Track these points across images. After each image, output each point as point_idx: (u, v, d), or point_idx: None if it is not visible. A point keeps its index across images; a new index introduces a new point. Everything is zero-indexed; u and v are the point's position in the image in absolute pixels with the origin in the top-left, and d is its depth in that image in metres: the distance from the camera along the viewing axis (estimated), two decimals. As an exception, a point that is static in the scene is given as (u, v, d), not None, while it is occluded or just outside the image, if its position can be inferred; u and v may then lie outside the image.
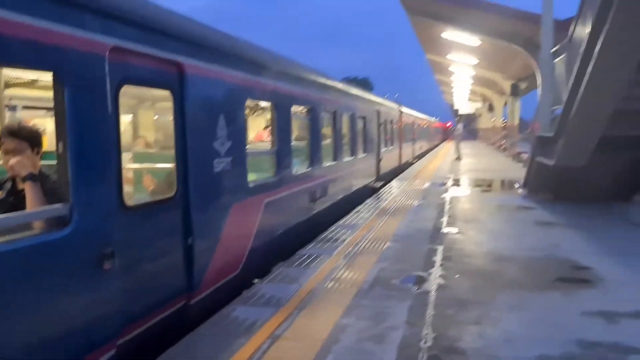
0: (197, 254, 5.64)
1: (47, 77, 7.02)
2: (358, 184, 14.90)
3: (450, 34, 23.63)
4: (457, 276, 6.78)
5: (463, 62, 32.39)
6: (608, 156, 10.96)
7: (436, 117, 76.16)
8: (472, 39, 23.40)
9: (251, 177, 7.29)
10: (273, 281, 6.67)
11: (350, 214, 11.72)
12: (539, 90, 14.77)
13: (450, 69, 38.82)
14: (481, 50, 26.30)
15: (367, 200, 13.96)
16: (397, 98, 34.34)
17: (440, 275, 6.80)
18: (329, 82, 11.90)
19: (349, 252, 8.11)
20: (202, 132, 5.81)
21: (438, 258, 7.71)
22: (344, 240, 8.88)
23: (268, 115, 9.38)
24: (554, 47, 12.86)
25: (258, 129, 11.92)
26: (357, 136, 14.81)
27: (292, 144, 9.06)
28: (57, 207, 3.84)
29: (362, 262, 7.51)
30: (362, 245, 8.53)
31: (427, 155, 37.41)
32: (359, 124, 15.27)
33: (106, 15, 4.26)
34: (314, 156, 10.32)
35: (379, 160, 18.71)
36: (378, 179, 18.41)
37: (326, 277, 6.75)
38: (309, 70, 10.45)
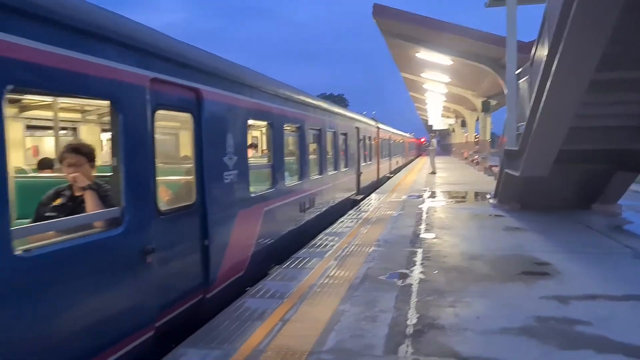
0: (212, 254, 6.52)
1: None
2: (341, 196, 15.89)
3: (424, 54, 25.01)
4: (435, 272, 7.78)
5: (436, 80, 33.92)
6: (568, 168, 12.21)
7: (411, 133, 78.01)
8: (444, 59, 24.81)
9: (252, 188, 8.20)
10: (275, 279, 7.57)
11: (336, 224, 12.68)
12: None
13: (424, 86, 40.39)
14: (453, 69, 27.78)
15: (350, 211, 14.94)
16: (374, 115, 35.57)
17: (420, 272, 7.79)
18: (315, 102, 12.92)
19: (338, 255, 9.05)
20: (215, 148, 6.73)
21: (418, 258, 8.71)
22: (333, 246, 9.81)
23: (256, 133, 10.28)
24: (518, 68, 14.14)
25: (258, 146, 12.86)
26: (339, 151, 15.84)
27: (284, 158, 10.00)
28: (113, 210, 4.72)
29: (351, 262, 8.46)
30: (350, 250, 9.48)
31: (403, 170, 38.72)
32: (341, 140, 16.31)
33: (147, 52, 5.19)
34: (303, 170, 11.29)
35: (359, 175, 19.77)
36: (359, 192, 19.44)
37: (321, 275, 7.67)
38: (297, 92, 11.45)
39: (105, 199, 4.84)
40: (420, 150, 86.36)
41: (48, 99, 8.06)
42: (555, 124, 9.86)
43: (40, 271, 3.77)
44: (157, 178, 5.43)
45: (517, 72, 13.92)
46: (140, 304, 4.99)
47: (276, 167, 9.41)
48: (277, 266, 8.51)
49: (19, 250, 3.59)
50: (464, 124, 51.69)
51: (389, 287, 7.04)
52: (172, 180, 6.30)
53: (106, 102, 4.81)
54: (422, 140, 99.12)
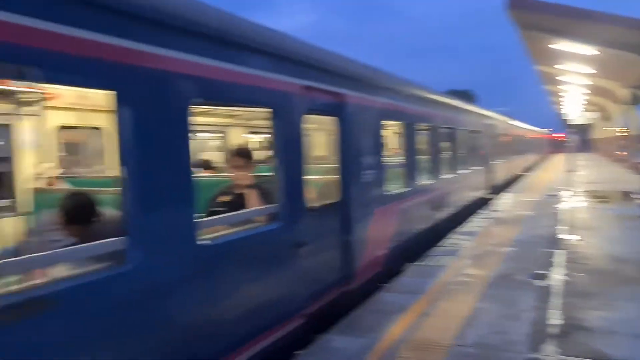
0: (354, 249, 6.94)
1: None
2: (472, 194, 15.65)
3: (563, 45, 23.52)
4: (576, 274, 7.51)
5: (576, 71, 31.67)
6: None
7: (548, 129, 73.48)
8: (588, 49, 23.12)
9: (388, 187, 8.51)
10: (410, 276, 7.82)
11: (467, 222, 12.57)
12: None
13: (561, 78, 37.88)
14: (597, 59, 25.76)
15: (481, 210, 14.67)
16: (507, 111, 34.17)
17: (561, 273, 7.57)
18: (446, 100, 12.90)
19: (473, 254, 9.05)
20: (356, 149, 7.14)
21: (558, 259, 8.43)
22: (466, 245, 9.81)
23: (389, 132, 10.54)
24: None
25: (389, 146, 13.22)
26: (470, 149, 15.59)
27: (417, 157, 10.17)
28: (273, 207, 5.29)
29: (487, 262, 8.44)
30: (484, 249, 9.42)
31: (537, 168, 36.68)
32: (472, 138, 16.04)
33: (300, 63, 5.72)
34: (434, 169, 11.37)
35: (490, 173, 19.24)
36: (489, 190, 18.93)
37: (456, 274, 7.78)
38: (430, 91, 11.55)
39: (265, 197, 5.43)
40: (557, 147, 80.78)
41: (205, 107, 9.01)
42: None
43: (216, 258, 4.41)
44: (306, 177, 5.95)
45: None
46: (294, 292, 5.54)
47: (410, 167, 9.63)
48: (410, 264, 8.72)
49: (201, 240, 4.23)
50: (606, 118, 47.56)
51: (528, 287, 6.97)
52: (318, 180, 6.80)
53: (262, 109, 5.41)
54: (562, 136, 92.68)
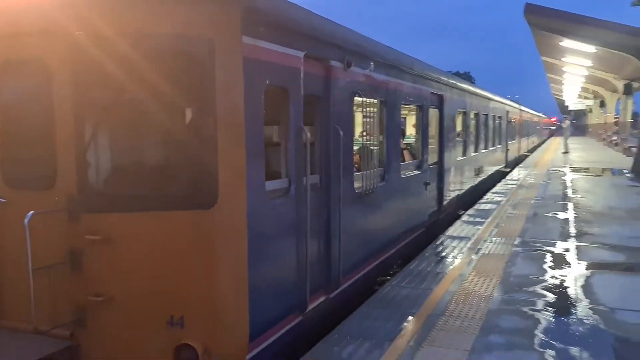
0: (443, 192, 11.02)
1: None
2: (495, 167, 19.81)
3: (568, 43, 27.48)
4: (584, 213, 11.66)
5: (577, 64, 35.63)
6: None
7: (542, 113, 77.55)
8: (588, 47, 27.11)
9: (457, 154, 12.58)
10: (475, 212, 11.92)
11: (497, 186, 16.71)
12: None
13: (563, 69, 41.80)
14: (595, 55, 29.76)
15: (504, 179, 18.82)
16: (517, 99, 38.19)
17: (573, 214, 11.70)
18: (484, 93, 16.94)
19: (509, 204, 13.17)
20: (448, 130, 11.17)
21: (570, 207, 12.57)
22: (501, 201, 13.91)
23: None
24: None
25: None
26: (495, 132, 19.68)
27: (470, 136, 14.25)
28: (417, 161, 9.35)
29: (522, 207, 12.57)
30: (517, 201, 13.55)
31: (538, 149, 40.91)
32: (496, 122, 20.12)
33: (430, 79, 9.73)
34: (477, 145, 15.47)
35: (506, 151, 23.39)
36: (506, 165, 23.11)
37: (504, 213, 11.89)
38: (478, 87, 15.56)
39: (413, 156, 9.48)
40: (555, 130, 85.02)
41: None
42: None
43: (405, 183, 8.44)
44: (428, 147, 9.96)
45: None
46: (424, 211, 9.63)
47: (465, 143, 13.72)
48: (469, 209, 12.81)
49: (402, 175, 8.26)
50: (602, 105, 51.62)
51: (553, 219, 11.11)
52: (432, 148, 10.79)
53: (416, 106, 9.46)
54: (553, 119, 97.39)
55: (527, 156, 32.92)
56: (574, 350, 4.73)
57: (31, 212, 4.14)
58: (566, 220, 10.90)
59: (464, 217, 11.40)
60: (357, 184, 6.55)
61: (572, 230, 9.94)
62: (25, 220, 4.09)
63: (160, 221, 4.18)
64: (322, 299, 5.66)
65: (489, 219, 11.05)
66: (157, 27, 4.10)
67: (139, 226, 4.22)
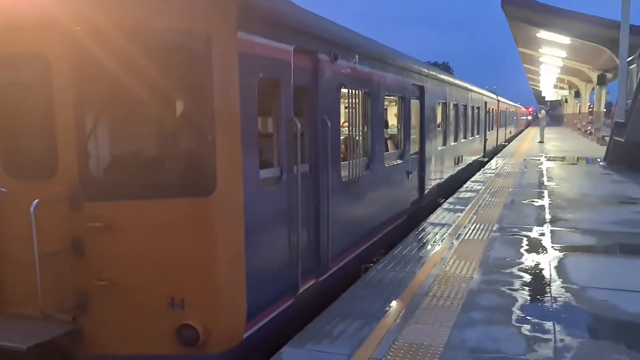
0: (424, 180, 11.36)
1: None
2: (474, 156, 20.27)
3: (543, 34, 28.10)
4: (558, 200, 12.12)
5: (553, 54, 36.38)
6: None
7: (519, 103, 78.91)
8: (563, 39, 27.75)
9: (437, 144, 12.93)
10: (455, 200, 12.31)
11: (476, 175, 17.15)
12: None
13: (540, 59, 42.60)
14: (570, 46, 30.45)
15: (483, 169, 19.29)
16: (495, 89, 38.83)
17: (548, 200, 12.17)
18: (463, 84, 17.32)
19: (488, 192, 13.59)
20: (429, 120, 11.50)
21: (545, 194, 13.04)
22: (480, 189, 14.34)
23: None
24: (630, 55, 17.52)
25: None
26: (474, 122, 20.12)
27: (450, 127, 14.61)
28: (400, 151, 9.65)
29: (500, 195, 13.00)
30: (495, 189, 13.99)
31: (515, 139, 41.70)
32: (475, 112, 20.56)
33: (411, 71, 10.01)
34: (457, 135, 15.86)
35: (485, 141, 23.89)
36: (484, 155, 23.62)
37: (482, 200, 12.30)
38: (457, 78, 15.92)
39: (395, 146, 9.78)
40: (531, 120, 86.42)
41: None
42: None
43: (389, 172, 8.73)
44: (410, 137, 10.26)
45: (628, 60, 17.35)
46: (405, 197, 9.95)
47: (445, 132, 14.09)
48: (449, 197, 13.20)
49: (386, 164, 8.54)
50: (577, 95, 52.69)
51: (530, 206, 11.54)
52: (413, 139, 11.11)
53: (398, 97, 9.74)
54: (530, 110, 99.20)
55: (505, 146, 33.59)
56: (548, 325, 5.09)
57: (36, 200, 4.31)
58: (542, 207, 11.34)
59: (445, 205, 11.78)
60: (343, 173, 6.82)
61: (547, 216, 10.37)
62: (31, 209, 4.27)
63: (161, 208, 4.40)
64: (312, 282, 5.94)
65: (469, 207, 11.44)
66: (157, 22, 4.29)
67: (141, 213, 4.43)
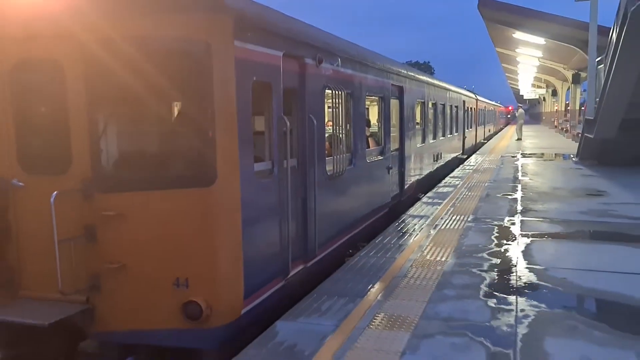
0: (404, 176, 12.00)
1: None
2: (453, 154, 21.01)
3: (519, 35, 29.04)
4: (530, 193, 12.86)
5: (529, 54, 37.45)
6: (632, 134, 16.55)
7: (497, 102, 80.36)
8: (538, 39, 28.71)
9: (416, 142, 13.58)
10: (434, 195, 12.97)
11: (454, 172, 17.87)
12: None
13: (517, 59, 43.71)
14: (546, 46, 31.47)
15: (462, 165, 20.03)
16: (473, 89, 39.75)
17: (521, 194, 12.89)
18: (441, 83, 18.03)
19: (465, 186, 14.29)
20: (407, 118, 12.13)
21: (519, 188, 13.78)
22: (458, 184, 15.05)
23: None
24: (599, 55, 18.38)
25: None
26: (452, 120, 20.86)
27: (429, 125, 15.28)
28: (380, 147, 10.26)
29: (477, 189, 13.71)
30: (472, 184, 14.69)
31: (494, 137, 42.70)
32: (453, 111, 21.31)
33: (390, 72, 10.62)
34: (435, 133, 16.55)
35: (463, 138, 24.68)
36: (463, 152, 24.41)
37: (460, 194, 12.98)
38: (435, 78, 16.59)
39: (376, 143, 10.38)
40: (509, 119, 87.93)
41: None
42: (617, 99, 14.41)
43: (370, 168, 9.33)
44: (391, 135, 10.88)
45: (597, 59, 18.22)
46: (386, 193, 10.57)
47: (424, 130, 14.75)
48: (428, 192, 13.86)
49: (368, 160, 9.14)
50: (554, 94, 54.09)
51: (504, 199, 12.25)
52: (394, 136, 11.72)
53: (378, 97, 10.34)
54: (510, 108, 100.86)
55: (484, 144, 34.51)
56: (511, 298, 5.73)
57: (56, 192, 4.82)
58: (515, 200, 12.05)
59: (424, 199, 12.44)
60: (328, 168, 7.41)
61: (519, 207, 11.08)
62: (52, 199, 4.78)
63: (166, 198, 4.94)
64: (301, 267, 6.52)
65: (446, 200, 12.12)
66: (163, 31, 4.84)
67: (148, 203, 4.96)
